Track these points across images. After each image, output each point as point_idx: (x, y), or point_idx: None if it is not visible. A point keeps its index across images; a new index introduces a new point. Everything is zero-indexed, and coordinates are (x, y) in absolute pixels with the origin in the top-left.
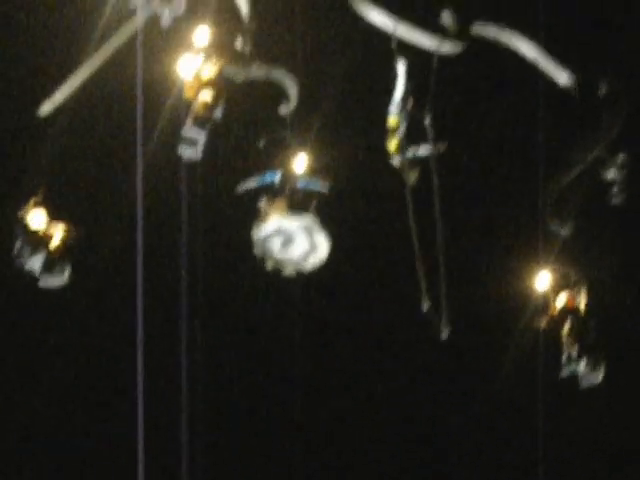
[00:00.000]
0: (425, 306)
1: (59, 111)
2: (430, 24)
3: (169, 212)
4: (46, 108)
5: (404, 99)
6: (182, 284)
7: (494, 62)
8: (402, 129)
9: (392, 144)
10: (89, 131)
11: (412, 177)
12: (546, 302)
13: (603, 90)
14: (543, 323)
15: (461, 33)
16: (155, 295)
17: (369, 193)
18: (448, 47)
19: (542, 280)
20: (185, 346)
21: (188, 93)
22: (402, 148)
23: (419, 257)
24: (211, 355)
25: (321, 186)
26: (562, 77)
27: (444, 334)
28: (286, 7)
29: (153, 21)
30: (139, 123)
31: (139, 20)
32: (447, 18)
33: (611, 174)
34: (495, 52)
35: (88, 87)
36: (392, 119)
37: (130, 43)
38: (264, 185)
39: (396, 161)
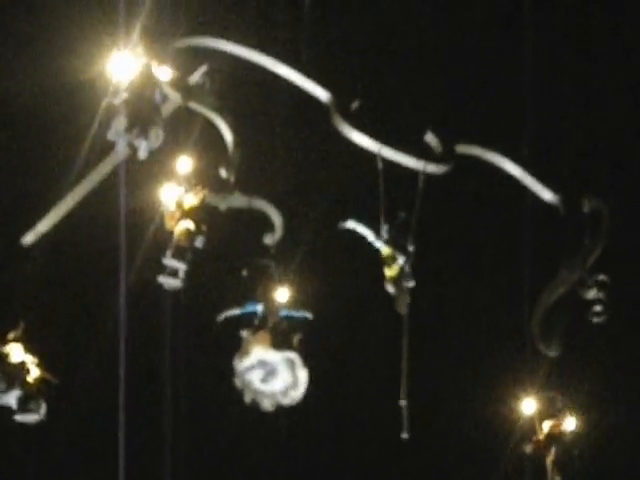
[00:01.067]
0: (405, 434)
1: (41, 241)
2: (415, 144)
3: (151, 340)
4: (29, 238)
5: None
6: (165, 413)
7: (479, 181)
8: (401, 259)
9: (391, 271)
10: (71, 262)
11: (404, 304)
12: (532, 428)
13: (586, 209)
14: (528, 449)
15: (446, 153)
16: (136, 424)
17: (350, 324)
18: (433, 167)
19: (528, 406)
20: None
21: (169, 222)
22: (401, 276)
23: (404, 386)
24: None
25: (303, 316)
26: (546, 194)
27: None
28: (269, 134)
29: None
30: (122, 252)
31: (119, 152)
32: (431, 138)
33: (592, 294)
34: (479, 171)
35: (71, 217)
36: (385, 250)
37: (113, 172)
38: (246, 315)
39: (391, 288)
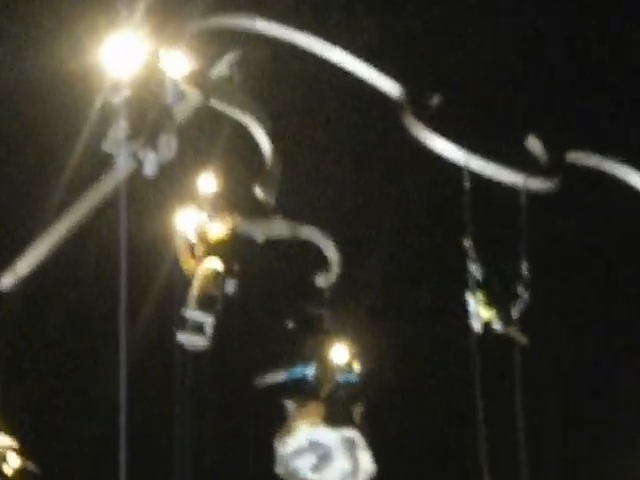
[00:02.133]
0: None
1: (20, 286)
2: (514, 153)
3: (165, 418)
4: (5, 281)
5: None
6: None
7: (595, 197)
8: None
9: (489, 313)
10: (57, 314)
11: (522, 338)
12: None
13: None
14: None
15: (553, 163)
16: None
17: (423, 389)
18: (537, 182)
19: None
20: None
21: (188, 262)
22: (505, 316)
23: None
24: None
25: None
26: None
27: None
28: (319, 142)
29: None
30: (122, 302)
31: (119, 168)
32: (534, 144)
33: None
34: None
35: (58, 255)
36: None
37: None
38: (293, 380)
39: (499, 327)
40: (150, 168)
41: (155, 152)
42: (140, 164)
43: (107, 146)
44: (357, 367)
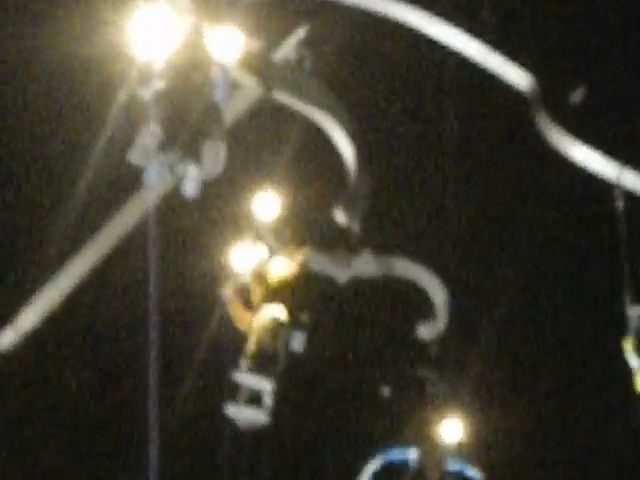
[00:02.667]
0: None
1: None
2: None
3: None
4: (7, 339)
5: None
6: None
7: None
8: None
9: None
10: (68, 380)
11: None
12: None
13: None
14: None
15: None
16: None
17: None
18: None
19: None
20: None
21: (239, 313)
22: None
23: None
24: None
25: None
26: None
27: None
28: (419, 148)
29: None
30: (152, 365)
31: (149, 186)
32: None
33: None
34: None
35: (71, 303)
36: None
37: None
38: (391, 465)
39: None
40: (191, 186)
41: (198, 165)
42: (178, 181)
43: (134, 156)
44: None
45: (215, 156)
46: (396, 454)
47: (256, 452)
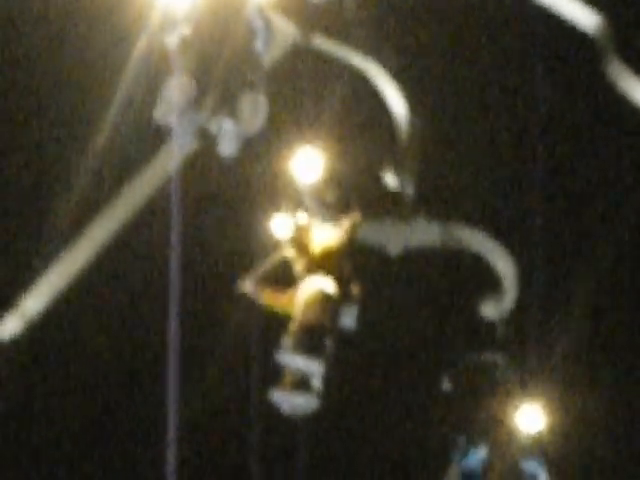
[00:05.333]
0: None
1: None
2: None
3: None
4: (11, 326)
5: None
6: None
7: None
8: None
9: None
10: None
11: None
12: None
13: None
14: None
15: None
16: None
17: None
18: None
19: None
20: None
21: (276, 302)
22: None
23: None
24: None
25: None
26: None
27: None
28: (476, 100)
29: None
30: (174, 345)
31: (177, 147)
32: None
33: None
34: None
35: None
36: None
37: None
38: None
39: None
40: (228, 145)
41: (235, 122)
42: (211, 141)
43: (160, 114)
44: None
45: (255, 110)
46: (472, 461)
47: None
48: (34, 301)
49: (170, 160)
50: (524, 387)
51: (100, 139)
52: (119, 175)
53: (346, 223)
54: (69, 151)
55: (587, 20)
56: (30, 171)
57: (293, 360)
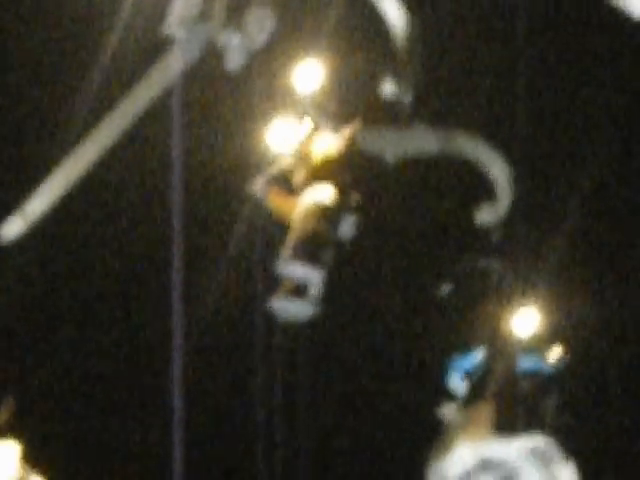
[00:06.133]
0: None
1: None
2: None
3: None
4: (13, 228)
5: None
6: None
7: None
8: None
9: None
10: (83, 268)
11: None
12: None
13: None
14: None
15: None
16: None
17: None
18: None
19: None
20: None
21: (282, 206)
22: None
23: None
24: None
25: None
26: None
27: None
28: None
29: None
30: (177, 252)
31: (181, 58)
32: None
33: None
34: None
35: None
36: None
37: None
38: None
39: None
40: (235, 58)
41: (242, 34)
42: (220, 54)
43: (170, 27)
44: (551, 349)
45: (261, 24)
46: (468, 362)
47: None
48: (37, 203)
49: (173, 71)
50: (521, 291)
51: (107, 50)
52: (125, 83)
53: (345, 132)
54: (73, 58)
55: None
56: (35, 77)
57: (291, 269)
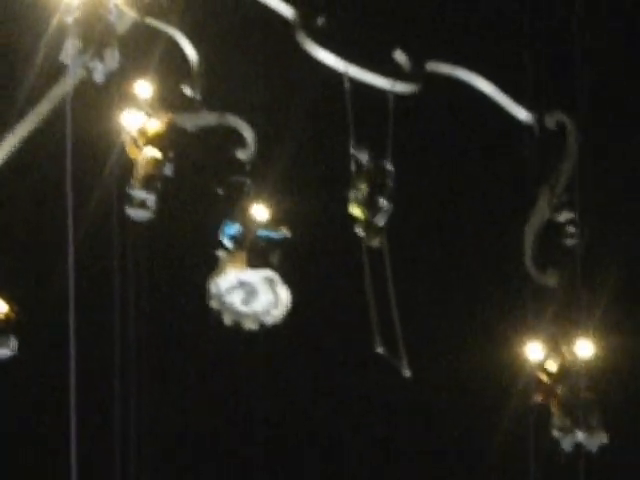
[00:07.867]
0: (380, 349)
1: None
2: (383, 63)
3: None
4: None
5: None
6: (140, 339)
7: (450, 100)
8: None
9: (356, 210)
10: (17, 200)
11: (376, 241)
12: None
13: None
14: (537, 398)
15: (415, 71)
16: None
17: (329, 244)
18: (403, 86)
19: (534, 350)
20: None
21: (132, 152)
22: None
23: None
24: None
25: (281, 235)
26: (521, 113)
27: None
28: (234, 49)
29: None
30: (68, 187)
31: (70, 78)
32: (400, 56)
33: (563, 216)
34: (450, 90)
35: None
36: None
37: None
38: (225, 236)
39: (360, 229)
40: (99, 76)
41: (102, 62)
42: (90, 72)
43: (63, 57)
44: (281, 229)
45: (112, 56)
46: (227, 228)
47: None
48: None
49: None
50: (261, 196)
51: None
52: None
53: (164, 117)
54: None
55: (287, 10)
56: None
57: (138, 193)
